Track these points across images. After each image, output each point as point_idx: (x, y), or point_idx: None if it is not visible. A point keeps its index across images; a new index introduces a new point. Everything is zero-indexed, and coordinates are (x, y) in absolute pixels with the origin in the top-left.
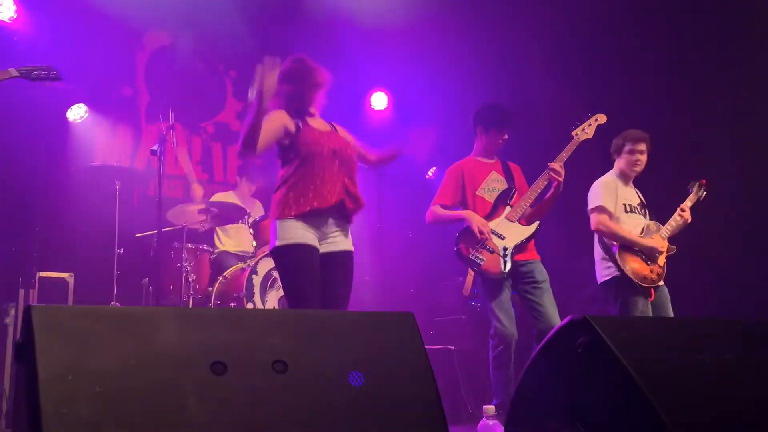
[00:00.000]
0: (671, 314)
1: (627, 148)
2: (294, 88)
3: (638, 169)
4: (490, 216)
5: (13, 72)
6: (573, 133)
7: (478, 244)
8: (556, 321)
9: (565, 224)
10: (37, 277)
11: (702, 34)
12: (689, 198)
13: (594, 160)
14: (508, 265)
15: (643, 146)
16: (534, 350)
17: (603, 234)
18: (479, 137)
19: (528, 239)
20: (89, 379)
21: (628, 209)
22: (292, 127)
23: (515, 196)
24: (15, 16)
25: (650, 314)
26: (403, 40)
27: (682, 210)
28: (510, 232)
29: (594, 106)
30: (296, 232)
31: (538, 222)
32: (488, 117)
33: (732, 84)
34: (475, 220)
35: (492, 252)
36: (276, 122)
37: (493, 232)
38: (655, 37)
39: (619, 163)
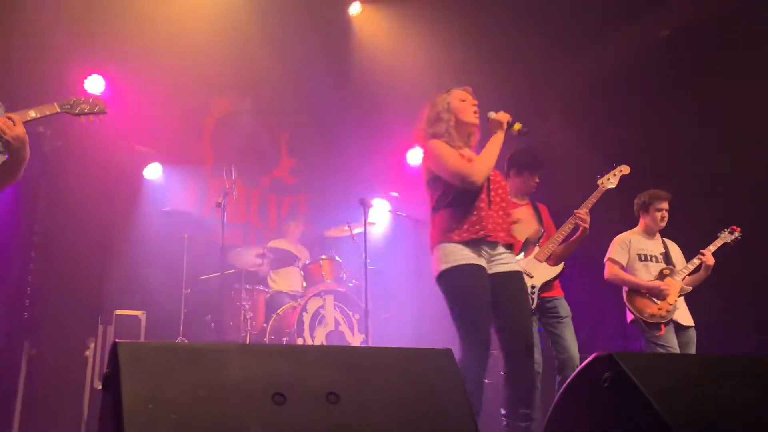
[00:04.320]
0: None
1: (653, 207)
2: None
3: (663, 224)
4: (520, 255)
5: (56, 107)
6: (599, 182)
7: None
8: (576, 353)
9: (590, 267)
10: (114, 315)
11: (722, 85)
12: (714, 242)
13: (619, 207)
14: (535, 302)
15: (666, 204)
16: (557, 380)
17: (612, 282)
18: (512, 179)
19: (554, 279)
20: (167, 408)
21: (643, 258)
22: None
23: (543, 236)
24: (104, 89)
25: (672, 343)
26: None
27: (702, 254)
28: (538, 271)
29: (609, 154)
30: None
31: (563, 263)
32: (522, 161)
33: (753, 131)
34: None
35: None
36: None
37: (523, 271)
38: (675, 87)
39: (645, 220)
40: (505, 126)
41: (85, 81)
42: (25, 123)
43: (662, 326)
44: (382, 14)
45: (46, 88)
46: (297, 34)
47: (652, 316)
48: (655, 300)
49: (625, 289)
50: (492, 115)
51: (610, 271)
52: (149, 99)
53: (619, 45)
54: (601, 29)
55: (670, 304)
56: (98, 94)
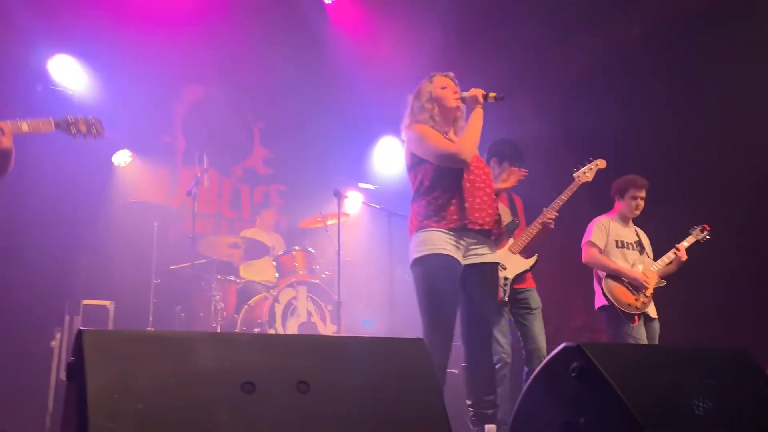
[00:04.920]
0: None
1: (630, 193)
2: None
3: (638, 212)
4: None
5: (52, 125)
6: (575, 175)
7: None
8: (543, 344)
9: (559, 260)
10: (81, 305)
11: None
12: (687, 239)
13: (589, 203)
14: (507, 294)
15: (644, 193)
16: (524, 370)
17: (591, 265)
18: (492, 169)
19: (527, 271)
20: (133, 397)
21: (620, 245)
22: None
23: (517, 228)
24: (70, 71)
25: (641, 336)
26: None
27: (677, 249)
28: (511, 263)
29: (582, 145)
30: None
31: (536, 256)
32: (504, 151)
33: (729, 128)
34: None
35: None
36: None
37: None
38: (650, 84)
39: (620, 206)
40: (482, 100)
41: (50, 61)
42: (15, 136)
43: (636, 318)
44: (356, 2)
45: (8, 69)
46: (271, 22)
47: (629, 306)
48: (634, 291)
49: (600, 273)
50: (465, 94)
51: (589, 254)
52: (118, 84)
53: (594, 41)
54: (577, 26)
55: (647, 297)
56: (67, 85)
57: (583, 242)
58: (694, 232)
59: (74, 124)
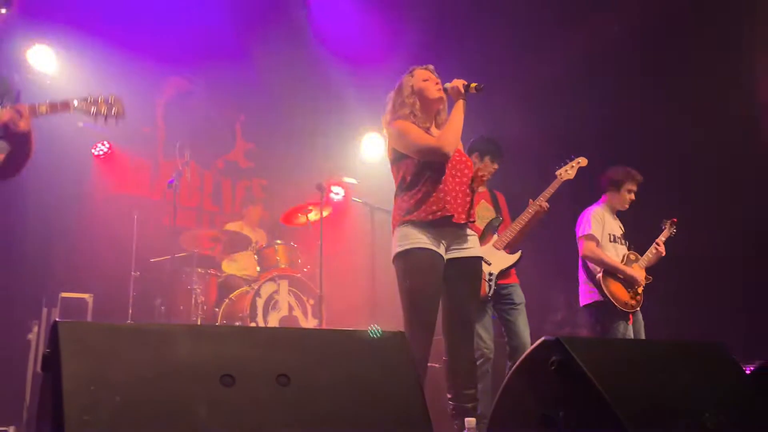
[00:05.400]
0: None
1: (627, 186)
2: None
3: (627, 206)
4: (479, 242)
5: (72, 106)
6: (557, 173)
7: None
8: (527, 339)
9: (539, 255)
10: (59, 297)
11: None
12: (663, 234)
13: (569, 201)
14: (492, 289)
15: (636, 187)
16: (507, 365)
17: (591, 260)
18: (473, 164)
19: (511, 267)
20: (110, 390)
21: (612, 239)
22: None
23: (501, 225)
24: (50, 62)
25: (631, 335)
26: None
27: (658, 244)
28: (496, 259)
29: (565, 143)
30: None
31: (520, 252)
32: (484, 147)
33: (706, 124)
34: None
35: None
36: None
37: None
38: (630, 82)
39: (613, 197)
40: (463, 91)
41: (28, 52)
42: (34, 118)
43: (630, 316)
44: None
45: None
46: (254, 15)
47: (626, 304)
48: (629, 288)
49: (594, 268)
50: (447, 85)
51: (588, 248)
52: (97, 74)
53: (574, 39)
54: (557, 24)
55: (639, 295)
56: (48, 66)
57: (580, 234)
58: (666, 226)
59: (95, 105)
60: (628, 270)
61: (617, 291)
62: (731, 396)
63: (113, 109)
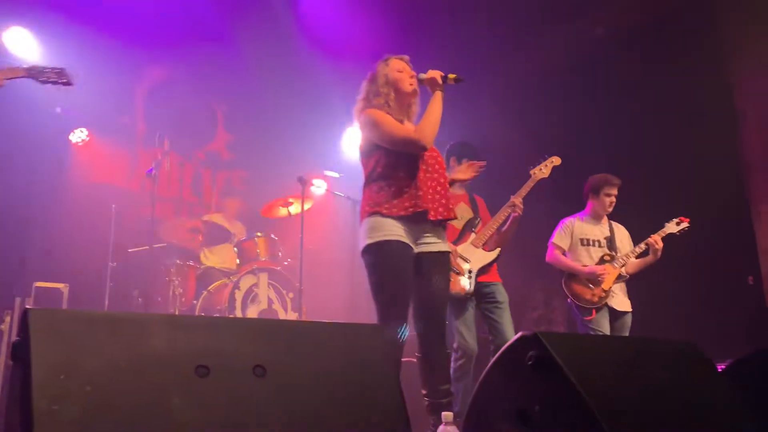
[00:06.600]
0: None
1: (604, 190)
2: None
3: (610, 210)
4: (457, 241)
5: (21, 71)
6: (531, 172)
7: None
8: (512, 338)
9: (517, 253)
10: (33, 287)
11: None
12: (660, 231)
13: (549, 198)
14: (472, 286)
15: (615, 190)
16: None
17: (553, 264)
18: (451, 168)
19: (491, 263)
20: (81, 379)
21: (585, 243)
22: None
23: (479, 225)
24: (26, 44)
25: (602, 328)
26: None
27: (646, 243)
28: (475, 256)
29: (541, 144)
30: None
31: (499, 249)
32: (462, 151)
33: (686, 126)
34: None
35: (457, 273)
36: None
37: (460, 256)
38: (609, 83)
39: (594, 203)
40: (441, 82)
41: (4, 34)
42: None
43: (593, 311)
44: None
45: None
46: (238, 5)
47: (586, 301)
48: (591, 285)
49: (562, 272)
50: (423, 76)
51: (549, 254)
52: (75, 60)
53: (555, 41)
54: (537, 24)
55: (605, 291)
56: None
57: (549, 242)
58: (668, 225)
59: (44, 72)
60: (584, 269)
61: (578, 289)
62: (705, 393)
63: (62, 78)
